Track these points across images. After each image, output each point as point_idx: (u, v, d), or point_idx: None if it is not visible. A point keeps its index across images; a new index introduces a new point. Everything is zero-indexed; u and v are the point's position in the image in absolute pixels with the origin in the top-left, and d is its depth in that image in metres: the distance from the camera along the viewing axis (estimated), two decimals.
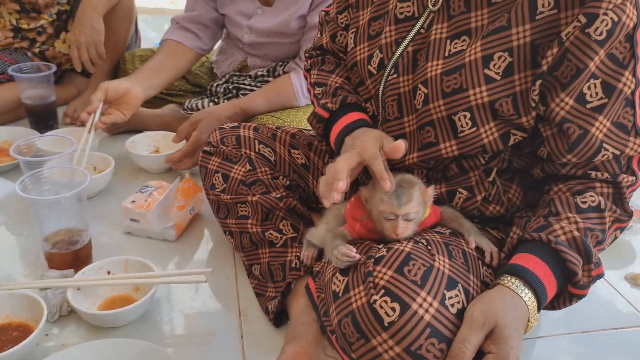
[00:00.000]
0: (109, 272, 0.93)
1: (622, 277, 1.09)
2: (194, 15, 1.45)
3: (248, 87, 1.46)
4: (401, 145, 0.74)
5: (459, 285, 0.64)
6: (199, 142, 1.23)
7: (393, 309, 0.60)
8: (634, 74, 0.67)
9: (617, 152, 0.69)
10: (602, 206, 0.70)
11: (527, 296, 0.64)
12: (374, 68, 0.82)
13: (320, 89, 0.92)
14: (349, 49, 0.88)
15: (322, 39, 0.97)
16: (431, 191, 0.74)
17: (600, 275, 0.69)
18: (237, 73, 1.52)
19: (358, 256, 0.68)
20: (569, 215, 0.69)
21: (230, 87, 1.48)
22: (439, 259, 0.66)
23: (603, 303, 1.01)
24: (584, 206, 0.70)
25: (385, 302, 0.61)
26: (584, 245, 0.66)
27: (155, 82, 1.36)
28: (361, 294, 0.64)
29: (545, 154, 0.74)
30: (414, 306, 0.60)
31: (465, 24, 0.73)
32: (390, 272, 0.63)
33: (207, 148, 1.02)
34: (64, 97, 1.71)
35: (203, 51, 1.50)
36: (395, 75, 0.79)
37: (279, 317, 0.89)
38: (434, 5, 0.76)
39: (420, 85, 0.75)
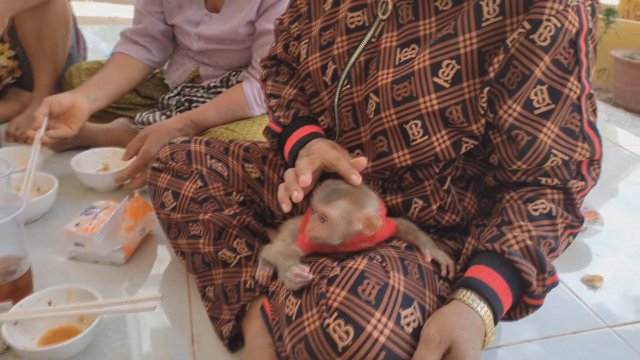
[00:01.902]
0: (49, 303, 0.87)
1: (579, 280, 1.10)
2: (141, 28, 1.41)
3: (201, 99, 1.41)
4: (362, 161, 0.72)
5: (415, 302, 0.62)
6: (147, 156, 1.18)
7: (347, 332, 0.58)
8: (579, 79, 0.68)
9: (566, 158, 0.69)
10: (554, 213, 0.70)
11: (483, 310, 0.62)
12: (329, 79, 0.81)
13: (275, 100, 0.91)
14: (301, 60, 0.86)
15: (277, 48, 0.96)
16: (375, 221, 0.68)
17: (554, 284, 0.68)
18: (190, 84, 1.47)
19: (311, 276, 0.65)
20: (522, 223, 0.68)
21: (183, 99, 1.43)
22: (394, 275, 0.64)
23: (561, 307, 1.02)
24: (536, 214, 0.69)
25: (339, 325, 0.58)
26: (537, 254, 0.66)
27: (101, 93, 1.31)
28: (314, 317, 0.61)
29: (496, 161, 0.74)
30: (369, 328, 0.58)
31: (414, 32, 0.73)
32: (343, 293, 0.60)
33: (156, 165, 0.97)
34: (8, 113, 1.62)
35: (154, 63, 1.45)
36: (348, 86, 0.78)
37: (234, 342, 0.85)
38: (383, 14, 0.75)
39: (371, 95, 0.74)
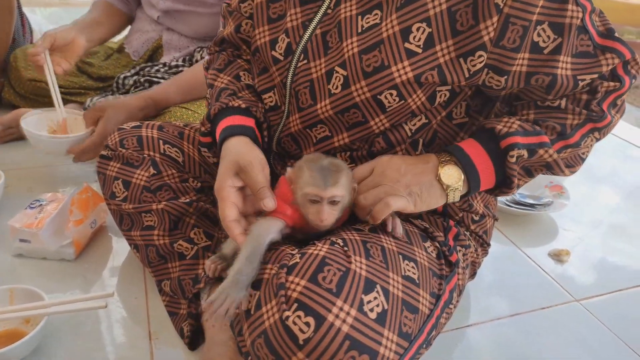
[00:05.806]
0: None
1: (546, 254, 1.09)
2: None
3: (162, 79, 1.34)
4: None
5: (377, 286, 0.59)
6: (106, 132, 1.12)
7: (307, 324, 0.54)
8: (577, 3, 0.65)
9: (596, 75, 0.68)
10: (562, 106, 0.70)
11: (441, 156, 0.69)
12: (281, 54, 0.75)
13: (210, 91, 0.85)
14: (251, 35, 0.81)
15: (225, 31, 0.89)
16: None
17: (537, 144, 0.68)
18: (149, 64, 1.39)
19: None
20: (524, 112, 0.71)
21: (142, 79, 1.35)
22: (356, 260, 0.60)
23: (529, 283, 1.01)
24: (543, 105, 0.70)
25: (299, 317, 0.55)
26: (519, 122, 0.68)
27: (94, 35, 1.33)
28: (273, 309, 0.57)
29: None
30: (330, 318, 0.54)
31: None
32: (303, 282, 0.57)
33: (104, 152, 0.90)
34: None
35: (131, 20, 1.48)
36: (305, 61, 0.73)
37: (195, 337, 0.80)
38: None
39: (337, 68, 0.70)
